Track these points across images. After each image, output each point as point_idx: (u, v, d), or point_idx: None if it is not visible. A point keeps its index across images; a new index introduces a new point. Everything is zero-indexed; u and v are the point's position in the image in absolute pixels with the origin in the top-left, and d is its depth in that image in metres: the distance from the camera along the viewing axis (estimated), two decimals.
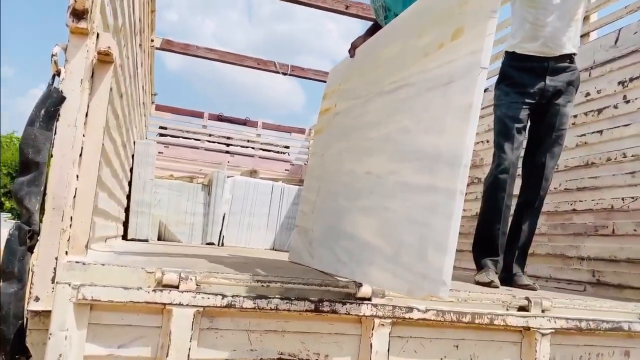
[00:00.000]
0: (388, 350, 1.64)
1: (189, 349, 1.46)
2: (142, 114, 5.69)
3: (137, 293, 1.44)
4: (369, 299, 1.66)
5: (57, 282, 1.40)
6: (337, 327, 1.65)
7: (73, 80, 1.51)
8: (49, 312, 1.40)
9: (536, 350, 1.80)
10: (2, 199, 25.21)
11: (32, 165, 1.47)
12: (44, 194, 1.47)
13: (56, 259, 1.45)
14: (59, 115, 1.49)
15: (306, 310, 1.57)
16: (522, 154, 2.65)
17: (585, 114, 3.10)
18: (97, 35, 1.58)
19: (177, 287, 1.50)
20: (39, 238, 1.46)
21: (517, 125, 2.50)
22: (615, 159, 2.86)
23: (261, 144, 8.31)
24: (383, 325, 1.64)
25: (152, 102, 8.07)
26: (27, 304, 1.42)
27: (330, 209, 2.12)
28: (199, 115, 8.48)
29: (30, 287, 1.42)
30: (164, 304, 1.46)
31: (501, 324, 1.77)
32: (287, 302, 1.55)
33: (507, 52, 2.68)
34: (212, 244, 6.44)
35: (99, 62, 1.61)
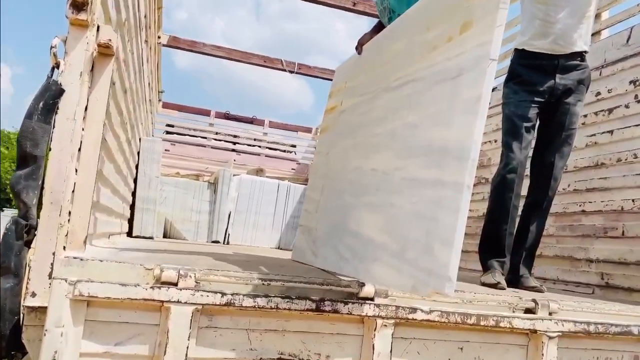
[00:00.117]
0: (391, 352, 1.61)
1: (187, 347, 1.43)
2: (148, 111, 5.68)
3: (134, 290, 1.41)
4: (372, 299, 1.62)
5: (53, 278, 1.38)
6: (338, 327, 1.61)
7: (72, 73, 1.49)
8: (46, 308, 1.38)
9: (543, 354, 1.76)
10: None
11: (29, 159, 1.45)
12: (42, 188, 1.45)
13: (53, 254, 1.42)
14: (57, 108, 1.47)
15: (307, 310, 1.54)
16: (531, 153, 2.61)
17: (596, 113, 3.05)
18: (98, 27, 1.56)
19: (175, 284, 1.47)
20: (36, 233, 1.44)
21: (525, 124, 2.46)
22: (626, 159, 2.81)
23: (268, 142, 8.29)
24: (386, 325, 1.61)
25: (159, 100, 8.07)
26: (24, 299, 1.40)
27: (334, 207, 2.10)
28: (206, 113, 8.48)
29: (27, 283, 1.40)
30: (162, 302, 1.43)
31: (507, 326, 1.73)
32: (287, 301, 1.52)
33: (516, 50, 2.63)
34: (218, 242, 6.43)
35: (100, 55, 1.59)
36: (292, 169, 8.05)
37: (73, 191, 1.50)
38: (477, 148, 1.28)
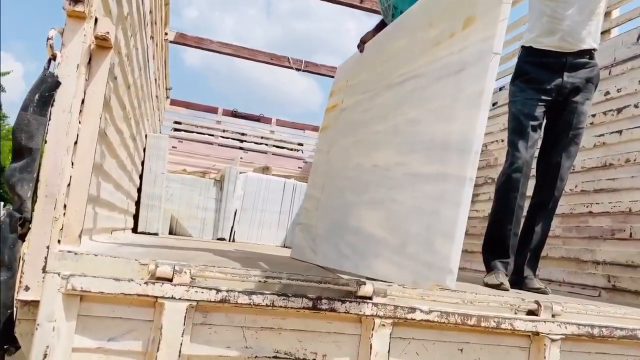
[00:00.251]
0: (388, 352, 1.58)
1: (181, 344, 1.41)
2: (155, 108, 5.68)
3: (128, 285, 1.39)
4: (370, 298, 1.59)
5: (46, 272, 1.36)
6: (336, 326, 1.59)
7: (69, 65, 1.47)
8: (39, 302, 1.36)
9: (545, 357, 1.71)
10: None
11: (25, 152, 1.43)
12: (37, 181, 1.44)
13: (47, 247, 1.41)
14: (53, 100, 1.45)
15: (304, 308, 1.51)
16: (537, 152, 2.56)
17: (604, 113, 2.99)
18: (96, 19, 1.54)
19: (170, 280, 1.45)
20: (30, 226, 1.42)
21: (532, 122, 2.41)
22: (635, 160, 2.75)
23: (275, 140, 8.28)
24: (384, 325, 1.58)
25: (167, 97, 8.09)
26: (17, 293, 1.38)
27: (335, 205, 2.09)
28: (214, 110, 8.48)
29: (21, 276, 1.39)
30: (156, 297, 1.41)
31: (508, 328, 1.69)
32: (283, 299, 1.50)
33: (523, 47, 2.58)
34: (223, 239, 6.43)
35: (97, 47, 1.57)
36: (299, 167, 8.05)
37: (69, 185, 1.49)
38: (480, 141, 1.28)
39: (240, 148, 8.27)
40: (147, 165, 5.04)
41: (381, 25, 2.38)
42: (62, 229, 1.47)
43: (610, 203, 2.86)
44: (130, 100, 3.00)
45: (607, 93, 2.99)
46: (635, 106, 2.82)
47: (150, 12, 3.57)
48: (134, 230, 4.78)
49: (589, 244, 2.94)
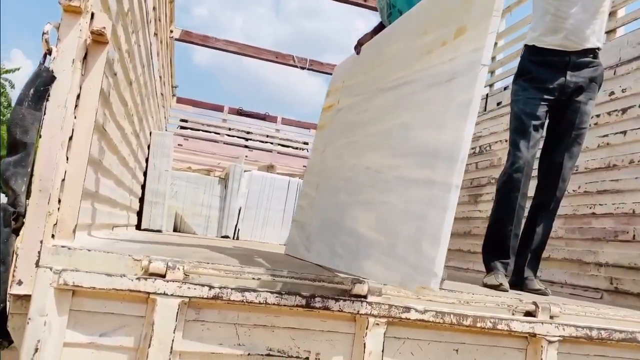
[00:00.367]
0: (382, 351, 1.57)
1: (173, 340, 1.41)
2: (160, 105, 5.69)
3: (120, 280, 1.39)
4: (365, 297, 1.58)
5: (39, 266, 1.36)
6: (329, 325, 1.58)
7: (64, 60, 1.47)
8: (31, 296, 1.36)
9: (542, 359, 1.70)
10: None
11: (19, 146, 1.43)
12: (31, 176, 1.44)
13: (41, 242, 1.41)
14: (48, 95, 1.45)
15: (297, 306, 1.50)
16: (539, 152, 2.54)
17: (609, 113, 2.96)
18: (92, 14, 1.54)
19: (163, 276, 1.45)
20: (24, 220, 1.42)
21: (534, 122, 2.39)
22: (639, 161, 2.72)
23: (280, 139, 8.29)
24: (378, 324, 1.57)
25: (173, 95, 8.11)
26: (10, 287, 1.38)
27: (329, 204, 2.11)
28: (219, 109, 8.50)
29: (14, 270, 1.39)
30: (148, 293, 1.41)
31: (505, 328, 1.68)
32: (276, 296, 1.49)
33: (526, 46, 2.56)
34: (227, 237, 6.45)
35: (93, 43, 1.57)
36: (304, 166, 8.04)
37: (63, 180, 1.49)
38: (467, 149, 1.33)
39: (246, 146, 8.29)
40: (152, 162, 5.05)
41: (379, 28, 2.38)
42: (56, 223, 1.46)
43: (613, 204, 2.82)
44: (132, 96, 3.00)
45: (612, 93, 2.96)
46: None
47: (154, 9, 3.58)
48: (138, 227, 4.79)
49: (592, 245, 2.91)
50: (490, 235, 2.47)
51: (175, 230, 6.40)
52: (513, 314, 1.75)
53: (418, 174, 1.48)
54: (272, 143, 8.31)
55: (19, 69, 18.71)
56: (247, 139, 8.42)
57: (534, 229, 2.47)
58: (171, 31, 5.28)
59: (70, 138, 1.51)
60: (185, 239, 3.58)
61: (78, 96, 1.53)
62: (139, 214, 4.84)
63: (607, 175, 2.90)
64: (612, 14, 3.14)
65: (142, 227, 4.83)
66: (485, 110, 4.26)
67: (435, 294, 1.69)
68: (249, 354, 1.51)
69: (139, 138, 3.88)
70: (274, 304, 1.49)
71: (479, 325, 1.65)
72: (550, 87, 2.41)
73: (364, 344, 1.56)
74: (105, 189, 2.48)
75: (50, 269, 1.36)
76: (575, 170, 3.08)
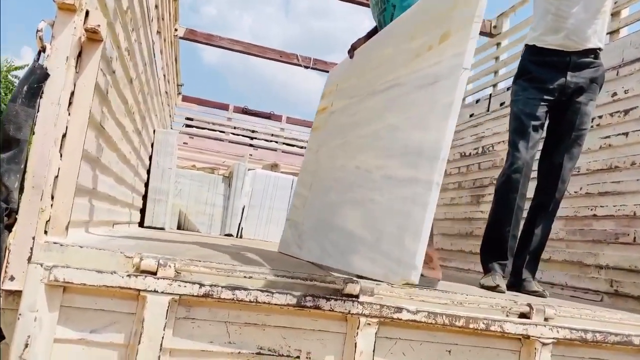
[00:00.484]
0: (374, 351, 1.56)
1: (162, 337, 1.41)
2: (164, 103, 5.71)
3: (110, 277, 1.39)
4: (356, 297, 1.57)
5: (30, 262, 1.37)
6: (321, 324, 1.57)
7: (58, 57, 1.48)
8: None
9: None
10: None
11: (12, 142, 1.44)
12: (24, 172, 1.45)
13: (33, 238, 1.42)
14: (42, 92, 1.46)
15: (288, 305, 1.50)
16: (539, 153, 2.52)
17: (611, 114, 2.93)
18: (87, 12, 1.54)
19: (155, 273, 1.45)
20: (17, 217, 1.43)
21: (533, 122, 2.37)
22: None
23: (285, 138, 8.29)
24: (369, 324, 1.56)
25: (179, 93, 8.13)
26: (2, 282, 1.39)
27: (321, 203, 2.16)
28: (225, 107, 8.52)
29: (6, 266, 1.40)
30: (139, 290, 1.41)
31: (498, 330, 1.66)
32: (267, 295, 1.49)
33: (526, 46, 2.54)
34: (231, 235, 6.46)
35: (88, 40, 1.57)
36: None
37: (57, 176, 1.50)
38: (448, 149, 1.41)
39: (251, 145, 8.30)
40: (155, 160, 5.06)
41: (372, 33, 2.40)
42: (49, 220, 1.47)
43: (614, 206, 2.80)
44: (133, 94, 3.01)
45: (615, 94, 2.93)
46: None
47: (156, 7, 3.58)
48: (141, 224, 4.81)
49: (593, 247, 2.89)
50: (489, 236, 2.46)
51: (179, 228, 6.43)
52: (507, 316, 1.74)
53: (403, 173, 1.55)
54: (276, 142, 8.31)
55: (28, 65, 18.80)
56: (252, 138, 8.44)
57: (532, 230, 2.46)
58: (175, 30, 5.29)
59: (64, 135, 1.52)
60: (185, 236, 3.59)
61: (72, 93, 1.53)
62: (142, 211, 4.86)
63: (609, 177, 2.87)
64: (615, 14, 3.12)
65: (145, 224, 4.84)
66: (488, 110, 4.24)
67: (428, 294, 1.68)
68: (239, 352, 1.51)
69: (141, 136, 3.89)
70: (264, 303, 1.49)
71: (471, 326, 1.64)
72: (550, 88, 2.39)
73: (355, 343, 1.55)
74: (104, 186, 2.48)
75: (41, 265, 1.37)
76: (577, 171, 3.06)
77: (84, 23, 1.53)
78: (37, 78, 1.45)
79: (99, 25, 1.56)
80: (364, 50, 2.34)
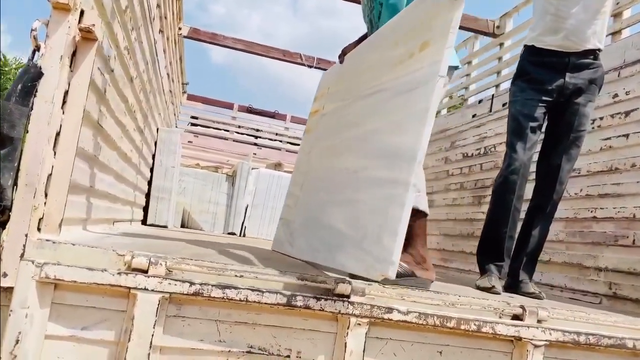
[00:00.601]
0: (364, 351, 1.56)
1: (152, 335, 1.42)
2: (168, 102, 5.73)
3: (101, 275, 1.40)
4: (347, 297, 1.58)
5: (21, 259, 1.38)
6: (311, 324, 1.57)
7: (52, 57, 1.49)
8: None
9: None
10: None
11: (6, 140, 1.45)
12: (18, 170, 1.46)
13: (26, 235, 1.43)
14: (36, 90, 1.47)
15: (278, 304, 1.51)
16: (536, 154, 2.51)
17: (612, 116, 2.91)
18: (82, 12, 1.56)
19: (146, 271, 1.46)
20: (10, 214, 1.44)
21: (531, 123, 2.36)
22: None
23: (289, 137, 8.30)
24: (359, 324, 1.56)
25: (184, 92, 8.16)
26: None
27: (311, 202, 2.24)
28: (229, 106, 8.54)
29: None
30: (129, 288, 1.42)
31: (489, 331, 1.66)
32: (257, 294, 1.49)
33: (525, 46, 2.53)
34: (234, 234, 6.47)
35: (82, 40, 1.59)
36: None
37: (50, 174, 1.51)
38: (424, 152, 1.51)
39: (255, 144, 8.31)
40: (158, 158, 5.08)
41: (363, 38, 2.43)
42: (42, 217, 1.49)
43: (614, 208, 2.78)
44: (134, 93, 3.02)
45: (616, 95, 2.91)
46: None
47: (158, 6, 3.60)
48: (144, 222, 4.83)
49: (592, 249, 2.87)
50: (485, 237, 2.46)
51: (182, 226, 6.46)
52: (500, 317, 1.74)
53: (384, 174, 1.64)
54: (281, 141, 8.32)
55: None
56: (256, 137, 8.45)
57: (530, 232, 2.45)
58: (179, 28, 5.31)
59: (58, 133, 1.53)
60: (185, 235, 3.61)
61: (66, 92, 1.55)
62: (146, 209, 4.88)
63: (609, 179, 2.86)
64: (617, 15, 3.10)
65: (148, 222, 4.86)
66: (490, 111, 4.23)
67: (420, 295, 1.69)
68: (229, 351, 1.52)
69: (143, 134, 3.91)
70: (254, 302, 1.49)
71: (463, 327, 1.64)
72: (548, 89, 2.38)
73: (345, 343, 1.55)
74: (103, 184, 2.50)
75: (33, 262, 1.38)
76: (577, 173, 3.04)
77: (79, 22, 1.54)
78: (31, 77, 1.46)
79: (93, 25, 1.57)
80: (353, 55, 2.40)
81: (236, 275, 1.54)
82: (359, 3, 4.87)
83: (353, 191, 1.83)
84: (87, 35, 1.58)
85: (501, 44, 4.54)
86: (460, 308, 1.70)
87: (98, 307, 1.44)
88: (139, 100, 3.30)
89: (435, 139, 5.06)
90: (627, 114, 2.82)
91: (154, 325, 1.43)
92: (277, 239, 2.69)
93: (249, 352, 1.53)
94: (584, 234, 2.95)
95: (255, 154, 7.99)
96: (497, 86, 4.48)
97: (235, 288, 1.48)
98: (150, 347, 1.42)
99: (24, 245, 1.42)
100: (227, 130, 8.36)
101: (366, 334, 1.57)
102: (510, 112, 2.46)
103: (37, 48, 1.49)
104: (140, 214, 4.65)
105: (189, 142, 7.82)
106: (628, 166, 2.75)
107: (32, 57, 1.50)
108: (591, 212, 2.92)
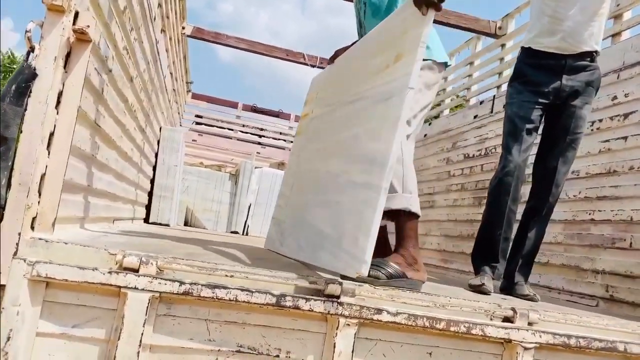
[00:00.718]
0: (352, 352, 1.57)
1: (142, 333, 1.44)
2: (171, 101, 5.76)
3: (92, 274, 1.42)
4: (337, 297, 1.59)
5: (13, 258, 1.41)
6: (300, 324, 1.59)
7: (47, 58, 1.51)
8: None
9: None
10: None
11: (0, 141, 1.48)
12: (12, 170, 1.48)
13: (19, 234, 1.45)
14: (30, 91, 1.49)
15: (267, 304, 1.52)
16: (533, 156, 2.51)
17: (611, 118, 2.90)
18: (77, 13, 1.57)
19: (137, 270, 1.48)
20: (4, 213, 1.46)
21: (527, 125, 2.36)
22: (638, 168, 2.66)
23: (293, 136, 8.31)
24: (349, 325, 1.57)
25: (189, 90, 8.19)
26: None
27: (299, 202, 2.32)
28: (234, 105, 8.57)
29: None
30: (119, 287, 1.44)
31: (479, 333, 1.67)
32: (247, 294, 1.51)
33: (522, 48, 2.52)
34: (237, 232, 6.49)
35: (77, 41, 1.61)
36: None
37: (44, 174, 1.53)
38: (394, 158, 1.61)
39: (259, 143, 8.34)
40: (161, 157, 5.10)
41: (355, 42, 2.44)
42: (35, 216, 1.51)
43: (612, 211, 2.77)
44: (134, 92, 3.05)
45: (615, 97, 2.90)
46: None
47: (160, 6, 3.62)
48: (147, 220, 4.86)
49: (590, 252, 2.86)
50: (480, 238, 2.46)
51: (186, 224, 6.49)
52: (491, 319, 1.74)
53: (360, 178, 1.74)
54: (285, 140, 8.34)
55: None
56: (260, 136, 8.48)
57: (525, 234, 2.44)
58: (183, 28, 5.33)
59: (52, 134, 1.55)
60: (184, 233, 3.63)
61: (60, 93, 1.57)
62: (148, 207, 4.91)
63: (607, 181, 2.85)
64: (617, 16, 3.09)
65: (150, 220, 4.89)
66: (491, 112, 4.22)
67: (411, 296, 1.70)
68: (219, 350, 1.53)
69: (145, 133, 3.93)
70: (244, 302, 1.50)
71: (452, 329, 1.64)
72: (545, 91, 2.38)
73: (334, 344, 1.56)
74: (101, 183, 2.52)
75: (24, 261, 1.40)
76: (576, 175, 3.04)
77: (73, 24, 1.56)
78: (25, 78, 1.48)
79: (88, 26, 1.59)
80: (340, 61, 2.49)
81: (226, 275, 1.56)
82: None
83: (335, 193, 1.92)
84: (82, 37, 1.60)
85: (503, 45, 4.53)
86: (451, 310, 1.71)
87: (89, 306, 1.46)
88: (140, 99, 3.33)
89: (437, 140, 5.06)
90: (625, 116, 2.81)
91: (144, 323, 1.44)
92: (269, 237, 2.80)
93: (238, 351, 1.55)
94: (582, 237, 2.94)
95: (259, 153, 8.02)
96: (498, 87, 4.47)
97: (225, 288, 1.50)
98: (140, 345, 1.44)
99: (17, 244, 1.45)
100: (232, 129, 8.39)
101: (355, 334, 1.58)
102: (507, 114, 2.45)
103: (31, 49, 1.51)
104: (142, 212, 4.68)
105: (193, 140, 7.86)
106: (626, 169, 2.73)
107: (27, 58, 1.52)
108: (589, 214, 2.92)
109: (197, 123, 8.29)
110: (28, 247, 1.45)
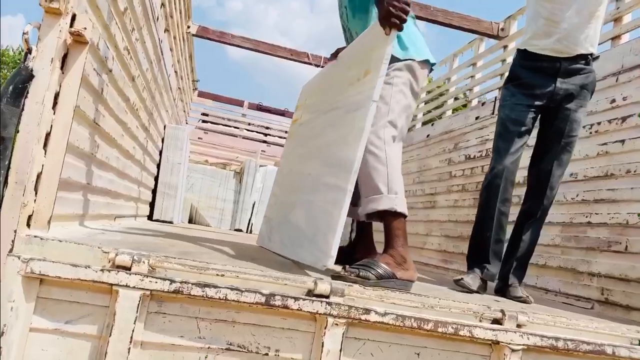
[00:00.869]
0: (340, 351, 1.60)
1: (133, 330, 1.47)
2: (176, 99, 5.80)
3: (84, 271, 1.46)
4: (327, 297, 1.61)
5: (8, 255, 1.44)
6: (289, 323, 1.61)
7: (44, 59, 1.54)
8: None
9: None
10: None
11: None
12: (9, 168, 1.52)
13: (15, 232, 1.49)
14: (27, 92, 1.53)
15: (256, 303, 1.55)
16: (528, 159, 2.52)
17: (609, 121, 2.90)
18: (74, 16, 1.61)
19: (129, 268, 1.51)
20: (0, 211, 1.50)
21: (518, 128, 2.37)
22: (635, 171, 2.65)
23: None
24: (337, 324, 1.60)
25: (195, 89, 8.24)
26: None
27: (285, 202, 2.50)
28: (239, 103, 8.61)
29: None
30: (111, 285, 1.47)
31: (467, 335, 1.68)
32: (236, 293, 1.53)
33: (518, 50, 2.53)
34: (240, 230, 6.53)
35: (74, 43, 1.64)
36: None
37: (40, 172, 1.57)
38: (359, 164, 1.78)
39: (264, 141, 8.38)
40: (165, 154, 5.15)
41: None
42: (31, 214, 1.55)
43: (608, 214, 2.77)
44: (136, 91, 3.08)
45: (613, 101, 2.90)
46: None
47: (162, 5, 3.66)
48: (151, 217, 4.90)
49: (586, 255, 2.87)
50: (472, 239, 2.49)
51: (190, 221, 6.54)
52: (480, 321, 1.76)
53: (332, 180, 1.90)
54: None
55: None
56: (265, 134, 8.52)
57: (520, 236, 2.45)
58: (188, 27, 5.37)
59: (49, 133, 1.59)
60: (184, 231, 3.66)
61: (57, 94, 1.60)
62: (152, 205, 4.95)
63: (605, 185, 2.85)
64: (617, 19, 3.08)
65: (154, 217, 4.93)
66: (493, 113, 4.22)
67: (400, 297, 1.72)
68: (209, 347, 1.56)
69: (148, 131, 3.97)
70: (233, 301, 1.53)
71: (440, 330, 1.66)
72: (539, 94, 2.38)
73: (322, 343, 1.59)
74: (101, 181, 2.56)
75: (19, 258, 1.44)
76: (574, 178, 3.04)
77: (70, 26, 1.59)
78: (23, 79, 1.52)
79: (84, 29, 1.62)
80: (327, 69, 2.63)
81: (217, 274, 1.59)
82: None
83: (311, 194, 2.11)
84: (79, 39, 1.63)
85: (505, 47, 4.53)
86: (440, 311, 1.73)
87: (81, 302, 1.49)
88: (142, 98, 3.36)
89: (439, 140, 5.06)
90: (623, 119, 2.81)
91: (135, 321, 1.47)
92: (261, 234, 3.00)
93: (228, 349, 1.57)
94: (579, 239, 2.94)
95: (264, 151, 8.05)
96: (499, 88, 4.47)
97: (215, 287, 1.53)
98: (131, 341, 1.47)
99: (13, 241, 1.48)
100: (237, 128, 8.43)
101: (344, 334, 1.60)
102: (499, 117, 2.46)
103: (29, 51, 1.55)
104: (146, 210, 4.73)
105: (199, 138, 7.91)
106: (623, 172, 2.73)
107: (24, 60, 1.56)
108: (586, 217, 2.92)
109: (203, 121, 8.34)
110: (23, 244, 1.49)
